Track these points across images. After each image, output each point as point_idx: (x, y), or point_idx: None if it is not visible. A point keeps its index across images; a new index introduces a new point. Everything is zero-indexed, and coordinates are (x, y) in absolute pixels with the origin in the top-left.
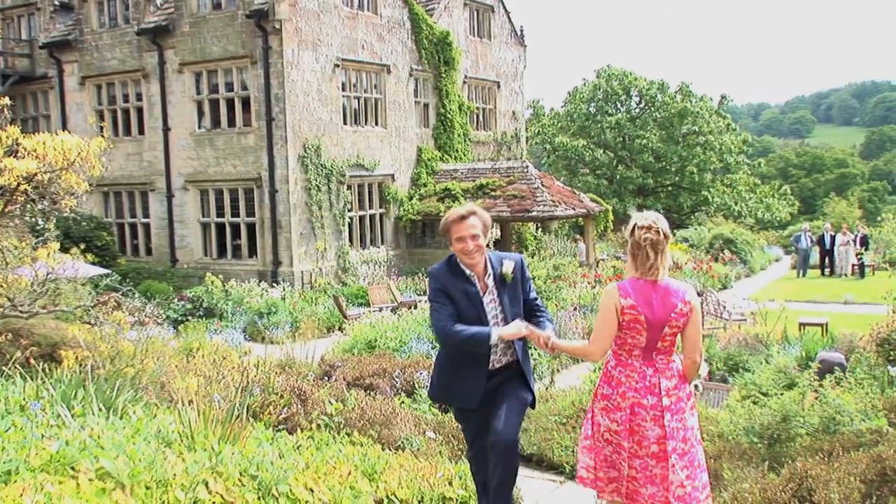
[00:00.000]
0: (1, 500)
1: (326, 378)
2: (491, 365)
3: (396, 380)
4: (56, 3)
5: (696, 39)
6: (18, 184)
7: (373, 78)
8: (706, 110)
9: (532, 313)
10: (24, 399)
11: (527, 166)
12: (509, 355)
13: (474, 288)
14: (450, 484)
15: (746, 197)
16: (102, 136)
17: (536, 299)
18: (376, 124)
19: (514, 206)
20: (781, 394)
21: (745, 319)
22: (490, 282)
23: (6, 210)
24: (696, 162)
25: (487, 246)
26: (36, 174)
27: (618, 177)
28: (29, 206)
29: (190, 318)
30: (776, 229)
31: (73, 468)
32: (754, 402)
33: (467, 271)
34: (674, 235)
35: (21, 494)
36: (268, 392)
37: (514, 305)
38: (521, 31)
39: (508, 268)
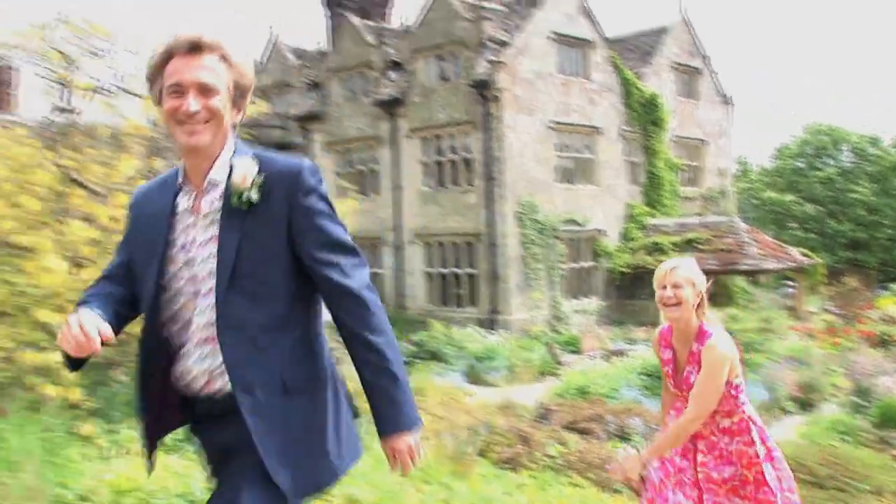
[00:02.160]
0: None
1: (543, 421)
2: (182, 382)
3: (609, 424)
4: (306, 82)
5: None
6: None
7: (584, 139)
8: None
9: (340, 321)
10: None
11: (734, 221)
12: (220, 381)
13: (174, 207)
14: None
15: None
16: (350, 197)
17: (344, 276)
18: (588, 182)
19: (722, 260)
20: None
21: None
22: (211, 200)
23: None
24: None
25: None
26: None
27: (828, 231)
28: None
29: (415, 359)
30: None
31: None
32: None
33: (180, 177)
34: (888, 290)
35: None
36: (492, 432)
37: (262, 263)
38: (727, 91)
39: (244, 174)
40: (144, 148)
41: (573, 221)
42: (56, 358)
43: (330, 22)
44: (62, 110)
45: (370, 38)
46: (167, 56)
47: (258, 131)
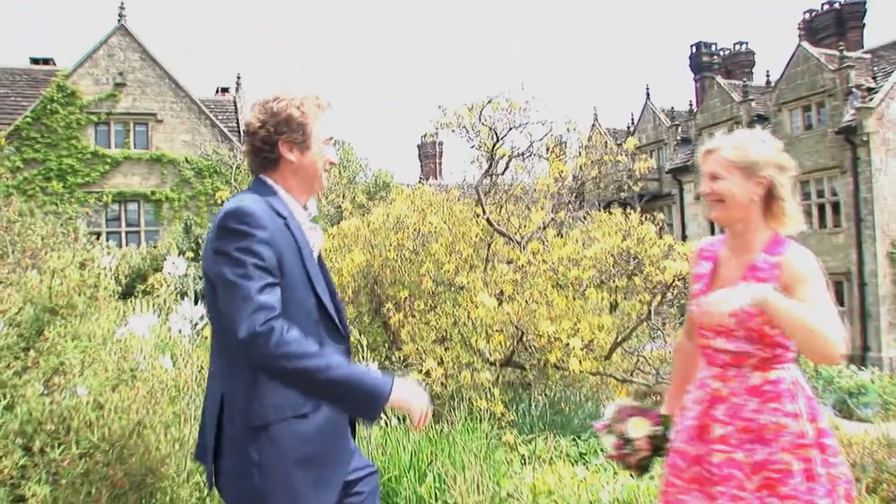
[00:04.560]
0: None
1: None
2: None
3: None
4: (678, 138)
5: None
6: (673, 281)
7: None
8: None
9: None
10: None
11: None
12: None
13: (308, 247)
14: None
15: None
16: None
17: None
18: None
19: None
20: None
21: None
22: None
23: (662, 301)
24: None
25: None
26: (687, 273)
27: None
28: (677, 298)
29: None
30: None
31: None
32: None
33: (301, 200)
34: None
35: None
36: (881, 469)
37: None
38: None
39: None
40: (550, 202)
41: None
42: (486, 377)
43: (697, 84)
44: (488, 174)
45: (736, 96)
46: (324, 110)
47: (643, 183)
